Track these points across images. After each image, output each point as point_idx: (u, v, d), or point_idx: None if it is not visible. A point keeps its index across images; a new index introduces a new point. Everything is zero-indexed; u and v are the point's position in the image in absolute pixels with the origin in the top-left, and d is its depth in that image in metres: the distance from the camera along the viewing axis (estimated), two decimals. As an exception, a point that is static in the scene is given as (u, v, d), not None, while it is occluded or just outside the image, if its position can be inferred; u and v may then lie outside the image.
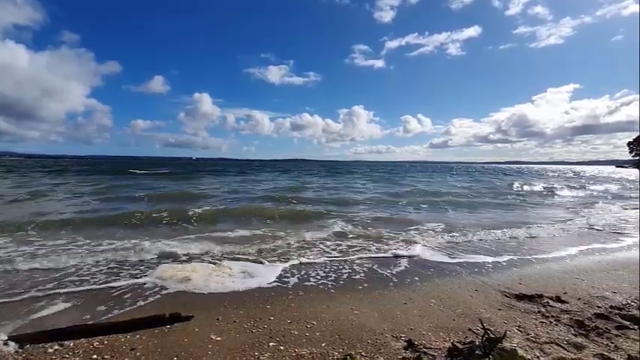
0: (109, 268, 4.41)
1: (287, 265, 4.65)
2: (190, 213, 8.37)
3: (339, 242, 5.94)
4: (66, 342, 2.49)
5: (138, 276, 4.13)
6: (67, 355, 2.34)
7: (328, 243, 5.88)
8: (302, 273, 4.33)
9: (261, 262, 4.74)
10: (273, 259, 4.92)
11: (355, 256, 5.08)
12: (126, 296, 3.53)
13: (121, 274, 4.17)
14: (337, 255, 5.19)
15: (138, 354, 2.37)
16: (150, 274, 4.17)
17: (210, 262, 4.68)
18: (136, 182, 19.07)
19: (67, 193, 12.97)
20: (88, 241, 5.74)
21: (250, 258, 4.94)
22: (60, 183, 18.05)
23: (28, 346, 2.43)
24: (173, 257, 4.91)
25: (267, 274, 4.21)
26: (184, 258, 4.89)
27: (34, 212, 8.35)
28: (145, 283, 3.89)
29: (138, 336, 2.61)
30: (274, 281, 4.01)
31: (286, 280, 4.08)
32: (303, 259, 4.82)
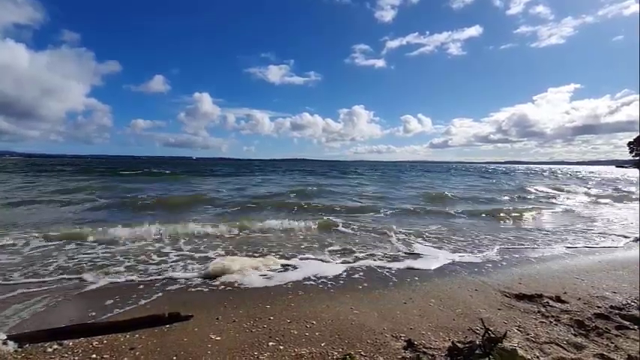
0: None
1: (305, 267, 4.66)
2: (202, 216, 8.14)
3: (354, 256, 5.27)
4: (65, 341, 2.49)
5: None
6: (66, 355, 2.33)
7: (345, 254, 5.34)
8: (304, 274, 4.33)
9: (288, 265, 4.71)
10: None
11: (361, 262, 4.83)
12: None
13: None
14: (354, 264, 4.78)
15: (137, 353, 2.37)
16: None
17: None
18: (142, 185, 17.94)
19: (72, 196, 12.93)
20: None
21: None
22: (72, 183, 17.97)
23: (27, 345, 2.43)
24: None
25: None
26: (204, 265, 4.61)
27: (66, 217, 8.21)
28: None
29: (137, 335, 2.60)
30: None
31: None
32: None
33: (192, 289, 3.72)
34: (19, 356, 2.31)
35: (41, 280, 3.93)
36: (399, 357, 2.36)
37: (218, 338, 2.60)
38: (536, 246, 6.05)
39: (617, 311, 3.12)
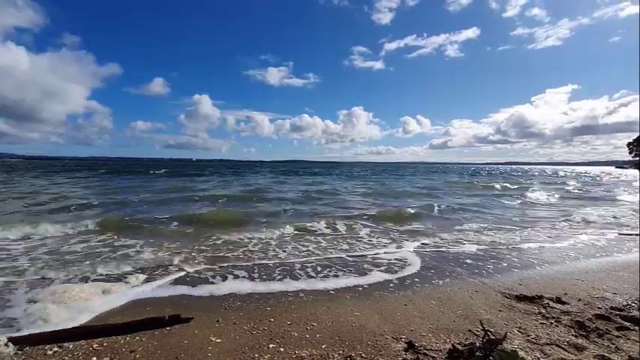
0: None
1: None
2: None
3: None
4: (65, 344, 2.49)
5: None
6: (67, 357, 2.33)
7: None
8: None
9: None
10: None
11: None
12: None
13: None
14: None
15: (137, 356, 2.36)
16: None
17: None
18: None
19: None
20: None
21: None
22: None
23: (27, 347, 2.42)
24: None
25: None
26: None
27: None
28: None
29: (137, 338, 2.60)
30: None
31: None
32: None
33: (193, 292, 3.72)
34: (20, 359, 2.31)
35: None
36: (400, 359, 2.35)
37: (218, 340, 2.60)
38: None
39: (617, 312, 3.12)
